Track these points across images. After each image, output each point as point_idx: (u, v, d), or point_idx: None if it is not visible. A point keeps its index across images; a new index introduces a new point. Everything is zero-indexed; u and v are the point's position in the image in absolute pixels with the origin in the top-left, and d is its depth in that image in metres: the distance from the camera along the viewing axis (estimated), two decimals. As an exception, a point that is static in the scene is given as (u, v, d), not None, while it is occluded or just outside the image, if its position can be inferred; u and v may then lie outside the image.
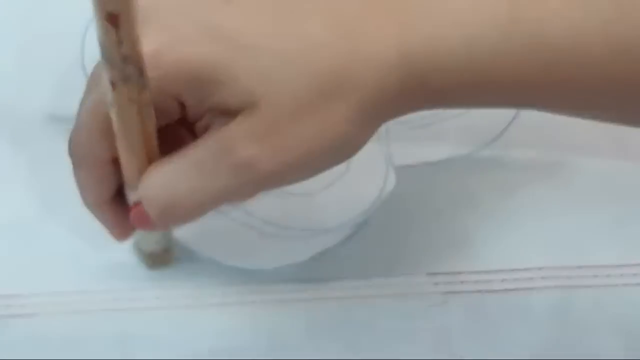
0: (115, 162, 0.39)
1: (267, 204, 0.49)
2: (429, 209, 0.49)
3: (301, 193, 0.49)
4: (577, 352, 0.45)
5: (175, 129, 0.40)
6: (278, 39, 0.37)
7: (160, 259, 0.47)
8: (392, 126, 0.51)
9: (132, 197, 0.40)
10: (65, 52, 0.53)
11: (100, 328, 0.45)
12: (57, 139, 0.50)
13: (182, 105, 0.38)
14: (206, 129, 0.38)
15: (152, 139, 0.38)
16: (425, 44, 0.37)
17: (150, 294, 0.46)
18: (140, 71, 0.35)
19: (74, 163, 0.41)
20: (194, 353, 0.45)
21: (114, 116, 0.37)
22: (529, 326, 0.46)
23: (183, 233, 0.48)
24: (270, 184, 0.39)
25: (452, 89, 0.38)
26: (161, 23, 0.37)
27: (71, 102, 0.52)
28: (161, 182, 0.38)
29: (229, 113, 0.37)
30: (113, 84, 0.35)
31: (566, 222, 0.49)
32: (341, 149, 0.38)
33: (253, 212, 0.48)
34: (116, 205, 0.41)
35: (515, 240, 0.48)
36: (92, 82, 0.40)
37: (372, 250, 0.48)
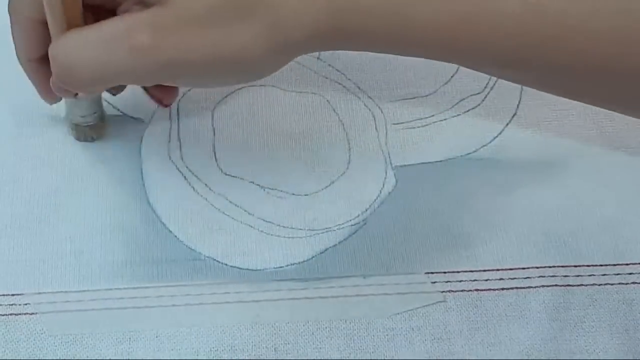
0: (43, 24, 0.41)
1: (267, 204, 0.49)
2: (428, 209, 0.49)
3: (301, 193, 0.49)
4: (573, 350, 0.45)
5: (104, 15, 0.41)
6: None
7: (91, 131, 0.50)
8: (391, 127, 0.52)
9: None
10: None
11: (103, 327, 0.45)
12: (59, 140, 0.51)
13: None
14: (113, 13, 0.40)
15: (75, 9, 0.40)
16: None
17: (152, 293, 0.46)
18: None
19: (11, 19, 0.43)
20: (196, 352, 0.45)
21: None
22: (526, 325, 0.46)
23: (184, 233, 0.48)
24: (165, 76, 0.40)
25: (376, 32, 0.39)
26: None
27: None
28: (67, 45, 0.39)
29: (144, 3, 0.38)
30: None
31: (562, 221, 0.49)
32: (242, 65, 0.39)
33: (253, 212, 0.49)
34: (45, 66, 0.43)
35: (512, 239, 0.49)
36: None
37: (371, 250, 0.48)
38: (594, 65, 0.39)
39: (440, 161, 0.50)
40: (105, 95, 0.50)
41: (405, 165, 0.50)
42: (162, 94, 0.46)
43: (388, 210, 0.49)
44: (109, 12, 0.41)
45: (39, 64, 0.44)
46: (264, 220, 0.48)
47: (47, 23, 0.41)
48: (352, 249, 0.48)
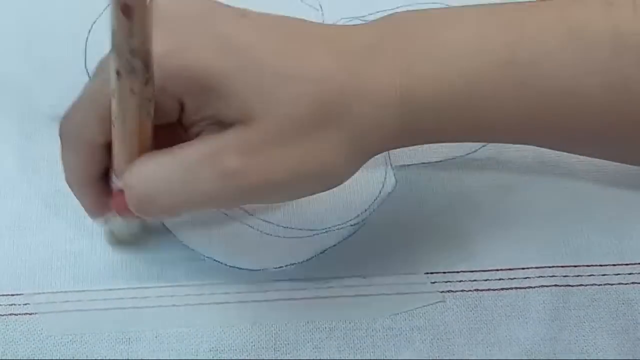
0: (104, 147, 0.40)
1: (267, 204, 0.49)
2: (428, 209, 0.49)
3: (301, 193, 0.49)
4: (573, 350, 0.45)
5: (174, 130, 0.40)
6: (284, 61, 0.37)
7: (127, 242, 0.48)
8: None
9: (118, 183, 0.40)
10: (69, 54, 0.53)
11: (102, 327, 0.45)
12: (59, 140, 0.51)
13: (182, 108, 0.39)
14: (198, 135, 0.39)
15: (147, 133, 0.39)
16: (426, 84, 0.38)
17: (152, 294, 0.46)
18: (147, 66, 0.35)
19: (63, 143, 0.41)
20: (196, 352, 0.45)
21: (114, 104, 0.37)
22: (526, 325, 0.46)
23: (184, 233, 0.48)
24: (250, 199, 0.39)
25: (449, 128, 0.39)
26: (176, 26, 0.37)
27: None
28: (145, 174, 0.39)
29: (222, 124, 0.37)
30: (118, 74, 0.36)
31: (562, 221, 0.49)
32: (326, 178, 0.39)
33: (253, 212, 0.49)
34: (98, 187, 0.42)
35: (512, 239, 0.49)
36: (99, 68, 0.40)
37: (371, 250, 0.48)
38: None
39: (440, 161, 0.50)
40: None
41: (405, 165, 0.50)
42: None
43: (388, 210, 0.49)
44: (172, 133, 0.40)
45: (93, 187, 0.42)
46: (264, 220, 0.48)
47: (108, 146, 0.40)
48: (352, 249, 0.48)
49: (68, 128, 0.41)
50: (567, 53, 0.38)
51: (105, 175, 0.42)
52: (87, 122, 0.40)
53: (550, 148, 0.42)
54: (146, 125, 0.38)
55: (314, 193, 0.41)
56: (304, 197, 0.41)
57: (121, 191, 0.40)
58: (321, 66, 0.38)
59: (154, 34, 0.35)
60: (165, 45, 0.37)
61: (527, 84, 0.38)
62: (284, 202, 0.42)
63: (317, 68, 0.38)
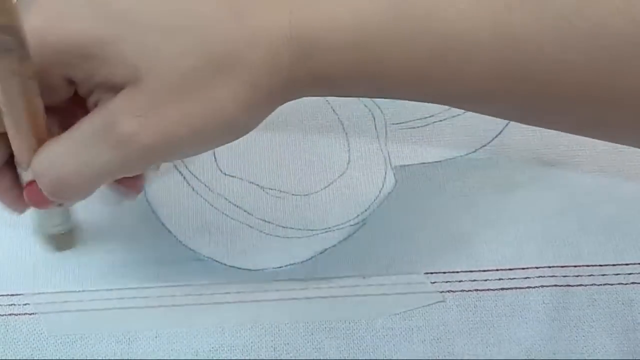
0: (3, 136, 0.39)
1: (266, 204, 0.49)
2: (427, 209, 0.49)
3: (301, 193, 0.49)
4: (572, 350, 0.46)
5: (74, 111, 0.39)
6: (167, 16, 0.36)
7: (63, 241, 0.47)
8: (391, 127, 0.52)
9: (24, 176, 0.40)
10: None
11: (103, 327, 0.45)
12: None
13: (71, 83, 0.38)
14: (96, 105, 0.38)
15: (39, 116, 0.38)
16: (315, 23, 0.37)
17: (152, 293, 0.46)
18: (21, 42, 0.34)
19: None
20: (196, 352, 0.45)
21: (11, 94, 0.36)
22: (525, 325, 0.46)
23: (184, 233, 0.48)
24: (154, 158, 0.38)
25: (341, 72, 0.38)
26: None
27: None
28: (50, 159, 0.38)
29: (115, 89, 0.37)
30: None
31: (562, 221, 0.49)
32: (228, 130, 0.38)
33: (253, 212, 0.49)
34: (8, 180, 0.41)
35: (512, 239, 0.49)
36: None
37: (371, 250, 0.48)
38: (569, 94, 0.38)
39: (440, 161, 0.51)
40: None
41: (405, 165, 0.50)
42: (128, 184, 0.44)
43: (388, 210, 0.49)
44: (76, 108, 0.39)
45: (2, 180, 0.41)
46: (263, 220, 0.48)
47: (4, 136, 0.39)
48: (352, 249, 0.48)
49: None
50: (462, 3, 0.37)
51: (12, 167, 0.41)
52: None
53: (440, 103, 0.40)
54: (36, 108, 0.37)
55: (223, 143, 0.39)
56: (215, 147, 0.39)
57: (30, 182, 0.40)
58: (205, 15, 0.36)
59: (31, 8, 0.34)
60: (41, 19, 0.36)
61: (420, 28, 0.37)
62: (196, 154, 0.41)
63: (200, 17, 0.36)
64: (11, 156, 0.40)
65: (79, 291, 0.46)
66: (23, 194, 0.40)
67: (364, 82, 0.38)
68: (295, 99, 0.39)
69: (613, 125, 0.39)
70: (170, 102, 0.36)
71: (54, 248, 0.48)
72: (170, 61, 0.36)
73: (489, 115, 0.42)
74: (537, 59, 0.37)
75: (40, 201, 0.40)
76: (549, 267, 0.48)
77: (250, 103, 0.37)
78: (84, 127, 0.37)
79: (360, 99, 0.53)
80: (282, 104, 0.39)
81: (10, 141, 0.39)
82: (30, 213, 0.44)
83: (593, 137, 0.42)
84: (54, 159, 0.38)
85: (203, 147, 0.39)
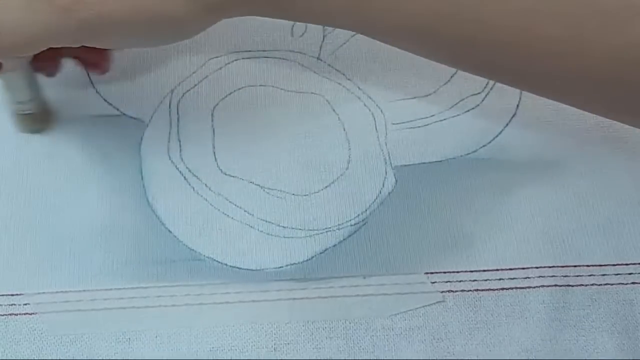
0: None
1: (266, 204, 0.49)
2: (428, 209, 0.49)
3: (301, 193, 0.49)
4: (572, 350, 0.46)
5: None
6: None
7: (34, 122, 0.49)
8: (391, 127, 0.52)
9: None
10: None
11: (102, 327, 0.45)
12: (59, 140, 0.51)
13: None
14: None
15: None
16: None
17: (152, 293, 0.46)
18: None
19: None
20: (196, 352, 0.45)
21: None
22: (525, 325, 0.46)
23: (184, 233, 0.48)
24: (85, 34, 0.40)
25: None
26: None
27: (73, 102, 0.52)
28: None
29: None
30: None
31: (562, 221, 0.49)
32: (164, 24, 0.39)
33: (253, 212, 0.49)
34: None
35: (512, 239, 0.49)
36: None
37: (371, 250, 0.48)
38: (506, 40, 0.38)
39: (440, 161, 0.51)
40: (104, 94, 0.50)
41: (405, 165, 0.50)
42: (95, 58, 0.46)
43: (388, 210, 0.49)
44: None
45: None
46: (263, 220, 0.48)
47: None
48: (352, 249, 0.48)
49: None
50: None
51: None
52: None
53: (375, 35, 0.41)
54: None
55: (161, 38, 0.41)
56: (151, 42, 0.42)
57: None
58: None
59: None
60: None
61: None
62: (133, 46, 0.44)
63: None
64: None
65: (79, 291, 0.47)
66: None
67: (298, 4, 0.39)
68: (236, 16, 0.40)
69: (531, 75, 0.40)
70: None
71: (21, 128, 0.50)
72: None
73: (420, 55, 0.42)
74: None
75: None
76: (549, 267, 0.48)
77: (193, 4, 0.38)
78: None
79: (361, 98, 0.53)
80: (225, 17, 0.40)
81: None
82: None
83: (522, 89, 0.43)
84: None
85: (136, 36, 0.41)
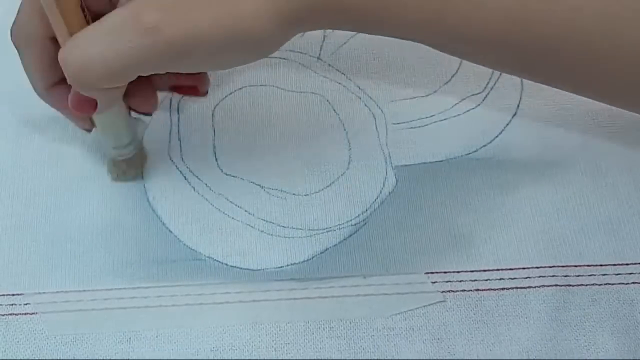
0: (54, 41, 0.41)
1: (267, 204, 0.49)
2: (428, 209, 0.49)
3: (302, 193, 0.49)
4: (573, 350, 0.45)
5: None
6: None
7: (129, 167, 0.48)
8: (391, 127, 0.52)
9: None
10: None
11: (102, 327, 0.45)
12: (59, 140, 0.51)
13: None
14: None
15: (77, 12, 0.40)
16: None
17: (152, 293, 0.46)
18: None
19: (18, 50, 0.43)
20: (196, 352, 0.45)
21: None
22: (526, 324, 0.46)
23: (184, 233, 0.48)
24: (177, 56, 0.39)
25: (360, 4, 0.39)
26: None
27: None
28: (76, 44, 0.39)
29: None
30: None
31: (563, 221, 0.49)
32: (249, 41, 0.39)
33: (254, 212, 0.49)
34: (66, 91, 0.43)
35: (513, 239, 0.48)
36: None
37: (371, 250, 0.48)
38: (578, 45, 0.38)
39: (440, 161, 0.50)
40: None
41: (405, 165, 0.50)
42: (192, 81, 0.46)
43: (388, 210, 0.49)
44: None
45: (59, 89, 0.44)
46: (264, 220, 0.48)
47: (56, 39, 0.41)
48: (352, 249, 0.48)
49: (17, 32, 0.43)
50: None
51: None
52: (31, 20, 0.42)
53: (449, 48, 0.41)
54: (73, 5, 0.39)
55: (245, 56, 0.41)
56: (235, 61, 0.41)
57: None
58: None
59: None
60: None
61: None
62: (218, 67, 0.43)
63: None
64: None
65: (79, 291, 0.47)
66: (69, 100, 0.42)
67: (378, 18, 0.39)
68: (316, 28, 0.40)
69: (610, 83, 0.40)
70: (197, 3, 0.38)
71: (119, 176, 0.49)
72: None
73: (489, 65, 0.42)
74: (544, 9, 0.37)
75: (77, 102, 0.42)
76: (550, 267, 0.48)
77: (273, 16, 0.38)
78: (111, 17, 0.39)
79: (361, 98, 0.53)
80: (305, 30, 0.40)
81: (60, 41, 0.40)
82: (96, 135, 0.47)
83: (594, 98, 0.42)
84: (78, 45, 0.39)
85: (221, 57, 0.40)
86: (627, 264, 0.48)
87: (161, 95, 0.52)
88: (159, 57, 0.39)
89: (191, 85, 0.47)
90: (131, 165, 0.49)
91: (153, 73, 0.40)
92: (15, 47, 0.43)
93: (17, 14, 0.43)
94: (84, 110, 0.42)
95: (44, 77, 0.44)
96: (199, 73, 0.46)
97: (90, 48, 0.39)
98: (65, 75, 0.40)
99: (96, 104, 0.42)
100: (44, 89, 0.44)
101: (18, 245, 0.48)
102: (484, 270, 0.48)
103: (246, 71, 0.54)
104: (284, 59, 0.54)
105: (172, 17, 0.38)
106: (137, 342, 0.45)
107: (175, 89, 0.47)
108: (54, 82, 0.44)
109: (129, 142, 0.48)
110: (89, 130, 0.47)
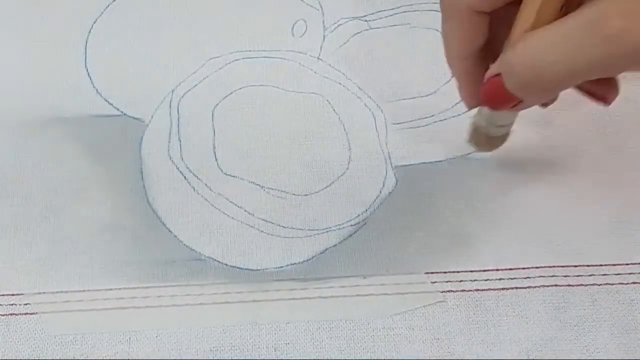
0: (486, 17, 0.41)
1: (267, 204, 0.49)
2: (428, 209, 0.49)
3: (301, 193, 0.49)
4: (573, 350, 0.45)
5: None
6: None
7: (495, 142, 0.48)
8: (391, 127, 0.52)
9: (492, 69, 0.41)
10: (69, 54, 0.53)
11: (102, 327, 0.45)
12: (59, 140, 0.51)
13: None
14: (578, 6, 0.38)
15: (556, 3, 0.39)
16: None
17: (152, 293, 0.46)
18: None
19: (443, 12, 0.43)
20: (196, 352, 0.45)
21: None
22: (526, 325, 0.46)
23: (184, 233, 0.48)
24: (630, 61, 0.38)
25: None
26: None
27: (73, 102, 0.52)
28: (526, 51, 0.39)
29: None
30: None
31: (563, 221, 0.49)
32: None
33: (253, 212, 0.49)
34: (477, 67, 0.43)
35: (513, 239, 0.48)
36: None
37: (371, 250, 0.48)
38: None
39: (440, 161, 0.51)
40: (104, 93, 0.50)
41: (405, 165, 0.50)
42: (603, 90, 0.44)
43: (388, 210, 0.49)
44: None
45: (473, 62, 0.44)
46: (263, 220, 0.48)
47: (482, 15, 0.41)
48: (352, 249, 0.48)
49: (445, 2, 0.42)
50: None
51: (486, 58, 0.42)
52: None
53: None
54: None
55: None
56: None
57: (494, 76, 0.40)
58: None
59: None
60: None
61: None
62: None
63: None
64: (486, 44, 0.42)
65: (79, 291, 0.46)
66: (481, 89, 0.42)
67: None
68: None
69: None
70: None
71: (484, 147, 0.48)
72: None
73: None
74: None
75: (496, 97, 0.41)
76: (550, 267, 0.48)
77: None
78: (570, 23, 0.38)
79: (361, 98, 0.53)
80: None
81: (515, 26, 0.40)
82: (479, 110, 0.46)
83: None
84: (532, 51, 0.38)
85: None
86: (627, 264, 0.48)
87: (161, 95, 0.53)
88: (614, 64, 0.38)
89: (603, 93, 0.45)
90: (498, 141, 0.48)
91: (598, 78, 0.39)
92: (442, 9, 0.43)
93: None
94: (500, 106, 0.42)
95: (465, 49, 0.44)
96: (611, 80, 0.44)
97: (542, 57, 0.38)
98: (505, 79, 0.39)
99: (518, 102, 0.41)
100: (462, 59, 0.44)
101: (18, 245, 0.48)
102: (484, 270, 0.48)
103: (246, 71, 0.54)
104: (284, 59, 0.54)
105: (637, 24, 0.36)
106: (137, 342, 0.45)
107: (585, 92, 0.45)
108: (471, 54, 0.44)
109: (511, 123, 0.47)
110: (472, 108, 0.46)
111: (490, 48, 0.44)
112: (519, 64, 0.39)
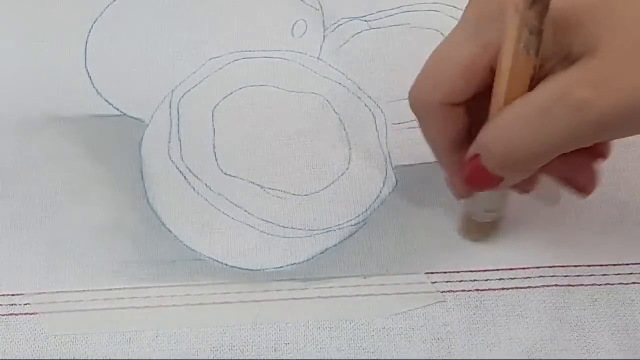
0: (458, 108, 0.41)
1: (267, 204, 0.49)
2: (428, 209, 0.49)
3: (302, 193, 0.49)
4: (573, 350, 0.45)
5: None
6: None
7: (487, 229, 0.48)
8: (391, 127, 0.52)
9: (471, 149, 0.40)
10: (69, 54, 0.53)
11: (102, 327, 0.45)
12: (59, 140, 0.51)
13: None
14: (545, 76, 0.38)
15: (523, 74, 0.38)
16: None
17: (152, 293, 0.46)
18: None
19: (417, 114, 0.42)
20: (195, 352, 0.45)
21: (506, 46, 0.37)
22: (526, 324, 0.46)
23: (184, 233, 0.48)
24: (605, 129, 0.38)
25: None
26: None
27: (73, 102, 0.52)
28: (498, 128, 0.38)
29: (569, 59, 0.37)
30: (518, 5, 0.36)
31: (562, 221, 0.49)
32: None
33: (253, 212, 0.49)
34: (464, 155, 0.42)
35: (513, 239, 0.48)
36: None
37: (371, 250, 0.48)
38: None
39: (440, 161, 0.51)
40: (104, 94, 0.50)
41: (405, 165, 0.50)
42: (585, 179, 0.44)
43: (388, 210, 0.49)
44: None
45: (458, 151, 0.42)
46: (264, 220, 0.48)
47: (456, 106, 0.40)
48: (352, 249, 0.48)
49: (417, 96, 0.42)
50: None
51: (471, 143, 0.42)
52: (436, 84, 0.41)
53: None
54: (522, 65, 0.38)
55: None
56: None
57: (474, 157, 0.40)
58: None
59: None
60: None
61: None
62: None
63: None
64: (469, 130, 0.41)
65: (79, 291, 0.46)
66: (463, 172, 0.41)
67: None
68: None
69: None
70: (624, 72, 0.36)
71: (473, 235, 0.48)
72: (626, 31, 0.36)
73: None
74: None
75: (477, 178, 0.41)
76: (550, 267, 0.48)
77: None
78: (541, 93, 0.37)
79: (361, 98, 0.53)
80: None
81: (491, 110, 0.39)
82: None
83: None
84: (506, 127, 0.38)
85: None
86: (627, 264, 0.48)
87: (161, 95, 0.53)
88: (584, 134, 0.38)
89: (582, 183, 0.45)
90: (488, 228, 0.48)
91: (576, 148, 0.39)
92: (414, 112, 0.42)
93: (418, 78, 0.42)
94: (483, 186, 0.41)
95: (443, 144, 0.43)
96: (591, 175, 0.44)
97: (518, 129, 0.38)
98: (482, 158, 0.39)
99: (500, 181, 0.41)
100: (444, 156, 0.43)
101: (18, 245, 0.48)
102: (484, 270, 0.48)
103: (246, 71, 0.54)
104: (284, 59, 0.54)
105: (603, 90, 0.36)
106: (137, 342, 0.45)
107: (561, 179, 0.45)
108: (454, 145, 0.43)
109: (498, 208, 0.47)
110: (463, 198, 0.46)
111: (476, 132, 0.42)
112: (493, 141, 0.39)
